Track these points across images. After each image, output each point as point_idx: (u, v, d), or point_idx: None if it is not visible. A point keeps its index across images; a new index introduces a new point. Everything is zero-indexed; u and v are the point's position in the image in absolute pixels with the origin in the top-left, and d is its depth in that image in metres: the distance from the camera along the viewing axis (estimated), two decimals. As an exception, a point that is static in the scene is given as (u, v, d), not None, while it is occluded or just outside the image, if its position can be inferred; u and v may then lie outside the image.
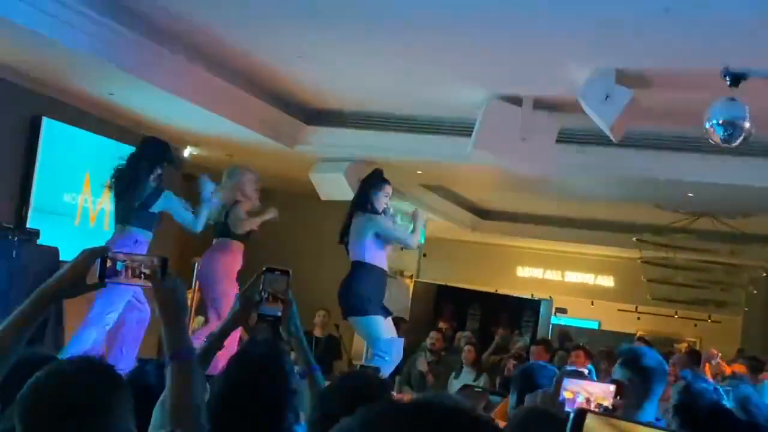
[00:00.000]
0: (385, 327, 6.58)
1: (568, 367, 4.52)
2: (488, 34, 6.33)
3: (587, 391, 2.55)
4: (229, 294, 6.44)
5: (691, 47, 6.06)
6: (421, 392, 7.81)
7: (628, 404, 2.81)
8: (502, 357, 10.70)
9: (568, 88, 6.93)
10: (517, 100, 7.63)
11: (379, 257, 6.64)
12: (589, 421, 1.10)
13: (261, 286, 2.53)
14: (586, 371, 4.05)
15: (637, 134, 7.78)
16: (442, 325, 11.73)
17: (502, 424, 4.65)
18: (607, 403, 2.54)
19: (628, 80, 6.58)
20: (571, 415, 1.12)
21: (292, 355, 2.73)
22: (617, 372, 3.13)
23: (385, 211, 6.70)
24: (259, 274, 2.57)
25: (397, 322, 11.56)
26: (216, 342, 2.59)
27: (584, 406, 2.50)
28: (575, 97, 6.82)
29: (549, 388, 2.69)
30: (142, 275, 2.07)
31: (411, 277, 14.35)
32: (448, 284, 14.42)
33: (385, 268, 6.74)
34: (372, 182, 6.81)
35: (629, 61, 6.49)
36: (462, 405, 1.21)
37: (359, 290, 6.52)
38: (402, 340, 6.82)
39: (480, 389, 7.82)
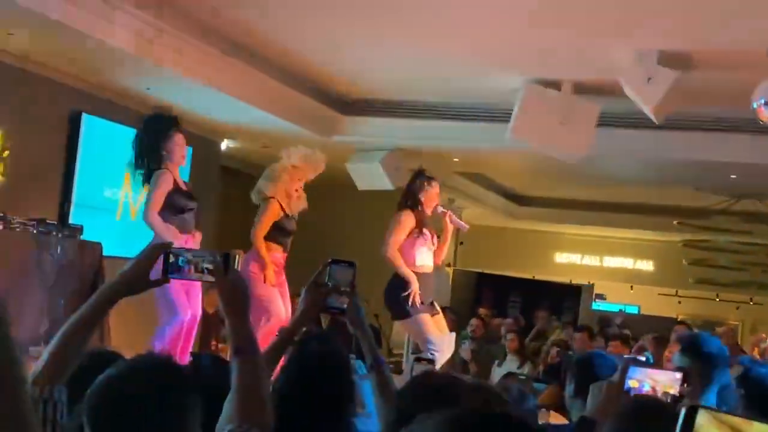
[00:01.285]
0: (432, 325, 6.50)
1: (627, 356, 4.46)
2: (526, 17, 6.26)
3: (653, 380, 2.51)
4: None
5: (735, 26, 5.94)
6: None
7: (690, 391, 2.75)
8: (542, 343, 10.66)
9: (608, 70, 6.84)
10: (556, 85, 7.54)
11: (413, 255, 6.49)
12: (699, 417, 1.07)
13: (326, 278, 2.50)
14: (644, 358, 3.99)
15: (679, 116, 7.66)
16: (482, 311, 11.68)
17: (555, 417, 4.60)
18: (674, 391, 2.50)
19: (671, 61, 6.48)
20: (682, 411, 1.09)
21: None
22: (677, 359, 3.07)
23: (435, 211, 6.60)
24: (325, 266, 2.54)
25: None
26: (288, 336, 2.56)
27: (650, 394, 2.46)
28: (616, 80, 6.73)
29: (612, 376, 2.65)
30: (205, 270, 2.05)
31: (449, 265, 14.30)
32: (488, 272, 14.37)
33: (424, 268, 6.55)
34: (419, 183, 6.60)
35: (672, 42, 6.39)
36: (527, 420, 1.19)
37: (397, 294, 6.43)
38: (453, 335, 6.76)
39: (524, 376, 7.79)
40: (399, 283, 6.43)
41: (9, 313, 0.90)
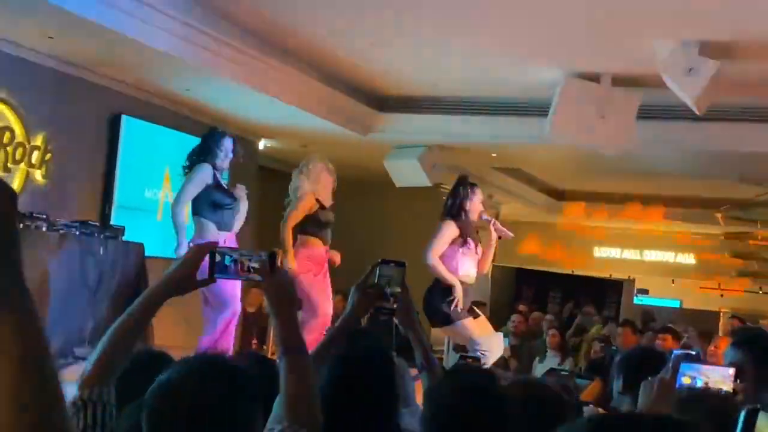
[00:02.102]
0: (476, 327, 6.39)
1: (676, 351, 4.38)
2: (564, 9, 6.20)
3: (705, 376, 2.45)
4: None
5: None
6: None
7: (744, 388, 2.70)
8: (582, 338, 10.58)
9: (648, 62, 6.75)
10: (594, 77, 7.46)
11: (455, 265, 6.35)
12: (761, 419, 1.04)
13: (376, 279, 2.48)
14: (693, 353, 3.92)
15: (720, 106, 7.55)
16: (522, 308, 11.62)
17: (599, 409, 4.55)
18: (727, 387, 2.44)
19: (713, 51, 6.38)
20: (742, 413, 1.06)
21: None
22: (730, 354, 3.00)
23: (481, 218, 6.44)
24: (374, 266, 2.52)
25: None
26: (336, 336, 2.55)
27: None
28: (656, 72, 6.64)
29: (660, 372, 2.60)
30: (251, 269, 2.05)
31: (487, 260, 14.22)
32: (526, 267, 14.28)
33: (467, 278, 6.37)
34: (463, 191, 6.42)
35: (713, 32, 6.29)
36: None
37: (438, 301, 6.32)
38: (500, 335, 6.67)
39: (566, 372, 7.72)
40: (440, 290, 6.30)
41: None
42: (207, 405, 1.65)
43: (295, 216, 6.39)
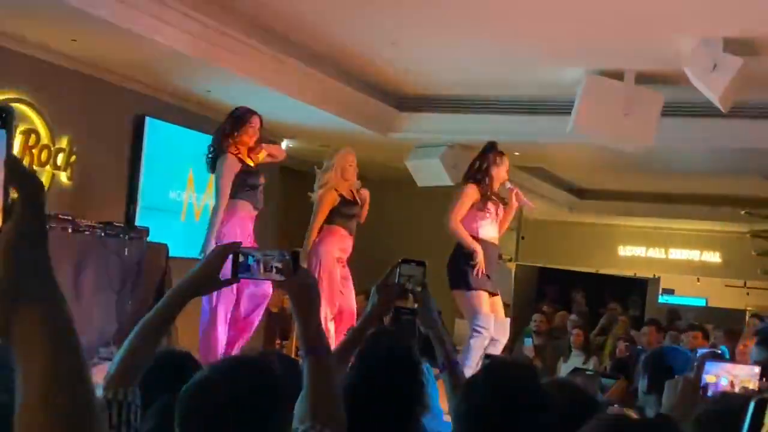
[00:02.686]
0: (486, 303, 6.35)
1: (701, 350, 4.34)
2: (587, 7, 6.17)
3: (731, 374, 2.43)
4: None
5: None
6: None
7: (769, 386, 2.67)
8: (606, 337, 10.51)
9: (672, 59, 6.70)
10: (618, 75, 7.41)
11: (476, 228, 6.40)
12: None
13: (397, 278, 2.47)
14: (719, 351, 3.88)
15: (745, 104, 7.48)
16: (546, 308, 11.58)
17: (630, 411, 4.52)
18: (752, 385, 2.42)
19: (737, 48, 6.32)
20: (750, 406, 1.04)
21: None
22: (756, 353, 2.98)
23: (503, 185, 6.50)
24: (395, 266, 2.52)
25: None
26: (357, 336, 2.55)
27: (728, 389, 2.39)
28: (680, 69, 6.59)
29: (687, 372, 2.58)
30: (274, 269, 2.05)
31: (510, 260, 14.19)
32: (550, 266, 14.22)
33: (488, 239, 6.44)
34: (491, 157, 6.49)
35: (738, 29, 6.23)
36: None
37: (460, 264, 6.34)
38: (507, 320, 6.61)
39: (591, 372, 7.69)
40: (462, 254, 6.33)
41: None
42: (238, 404, 1.64)
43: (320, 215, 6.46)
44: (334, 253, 6.45)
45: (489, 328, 6.24)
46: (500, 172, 6.45)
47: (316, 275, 6.22)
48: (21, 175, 0.90)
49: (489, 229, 6.45)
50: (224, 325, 6.07)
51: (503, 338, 6.48)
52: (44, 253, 0.92)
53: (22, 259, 0.90)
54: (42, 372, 0.89)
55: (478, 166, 6.45)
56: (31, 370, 0.90)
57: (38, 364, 0.90)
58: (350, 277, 6.62)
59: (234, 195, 6.11)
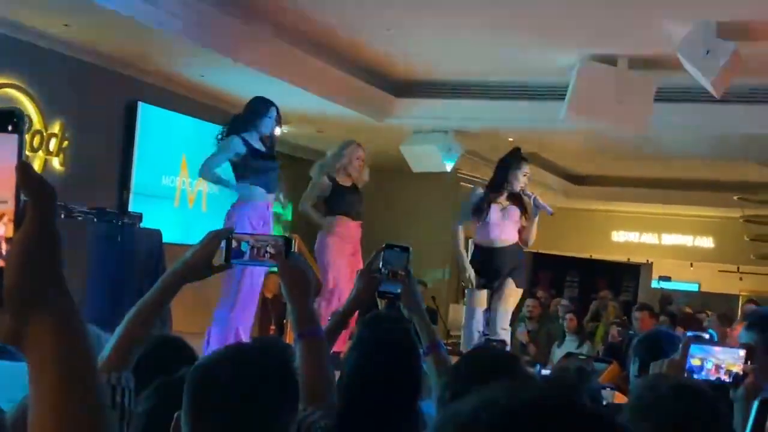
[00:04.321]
0: (472, 298, 6.68)
1: (689, 333, 4.37)
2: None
3: (716, 357, 2.45)
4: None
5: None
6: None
7: (756, 368, 2.68)
8: (598, 324, 10.54)
9: (665, 44, 6.71)
10: (611, 60, 7.42)
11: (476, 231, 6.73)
12: None
13: (381, 263, 2.50)
14: (706, 336, 3.91)
15: (739, 89, 7.49)
16: (540, 294, 11.60)
17: (618, 397, 4.55)
18: (737, 369, 2.44)
19: (730, 33, 6.33)
20: (755, 405, 1.04)
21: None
22: (744, 335, 2.99)
23: (523, 191, 6.65)
24: (378, 251, 2.54)
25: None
26: (341, 321, 2.57)
27: (713, 372, 2.41)
28: (673, 54, 6.60)
29: (674, 355, 2.60)
30: (267, 254, 2.06)
31: (504, 245, 14.21)
32: (543, 252, 14.24)
33: (482, 241, 6.70)
34: (509, 162, 6.74)
35: (730, 13, 6.24)
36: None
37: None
38: (480, 310, 6.75)
39: (584, 356, 7.72)
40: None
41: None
42: (244, 386, 1.62)
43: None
44: (339, 244, 6.45)
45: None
46: (518, 176, 6.64)
47: (327, 269, 6.31)
48: (33, 181, 0.90)
49: (488, 233, 6.66)
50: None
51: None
52: (57, 260, 0.91)
53: (35, 266, 0.89)
54: (54, 382, 0.89)
55: (497, 173, 6.77)
56: (43, 379, 0.89)
57: (50, 373, 0.89)
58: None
59: (243, 178, 6.02)
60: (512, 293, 6.72)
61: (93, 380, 0.92)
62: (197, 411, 1.62)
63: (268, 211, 6.07)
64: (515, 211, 6.66)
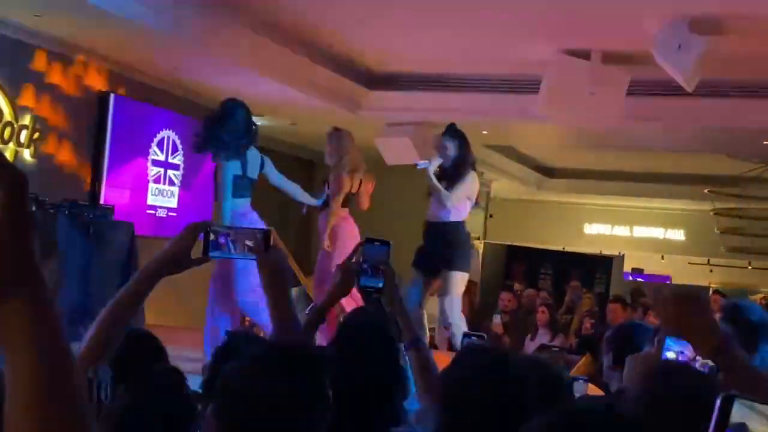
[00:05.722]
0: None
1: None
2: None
3: (690, 350, 2.46)
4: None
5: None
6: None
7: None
8: (573, 316, 10.61)
9: (638, 39, 6.75)
10: (585, 54, 7.45)
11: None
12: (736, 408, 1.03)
13: (361, 258, 2.49)
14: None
15: (710, 83, 7.55)
16: (517, 286, 11.67)
17: (591, 389, 4.58)
18: (711, 361, 2.45)
19: (702, 28, 6.38)
20: (717, 402, 1.05)
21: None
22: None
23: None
24: (359, 246, 2.54)
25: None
26: (318, 315, 2.57)
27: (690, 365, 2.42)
28: (646, 49, 6.64)
29: (649, 348, 2.62)
30: (246, 247, 2.06)
31: (478, 238, 14.28)
32: (517, 244, 14.34)
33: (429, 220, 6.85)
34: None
35: (702, 9, 6.29)
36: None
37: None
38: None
39: (557, 349, 7.77)
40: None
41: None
42: (282, 392, 1.58)
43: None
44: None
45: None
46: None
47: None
48: (4, 168, 0.89)
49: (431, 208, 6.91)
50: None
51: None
52: (29, 247, 0.90)
53: (7, 252, 0.88)
54: (31, 370, 0.88)
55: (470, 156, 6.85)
56: (20, 367, 0.88)
57: (27, 361, 0.88)
58: None
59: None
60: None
61: (69, 363, 0.91)
62: (226, 419, 1.60)
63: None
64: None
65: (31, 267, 0.90)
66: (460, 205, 6.74)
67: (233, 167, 5.85)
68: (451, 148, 6.75)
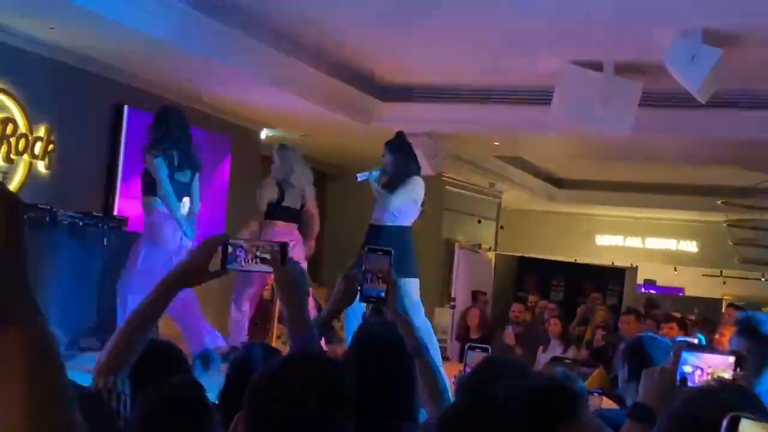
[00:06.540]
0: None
1: (679, 338, 4.39)
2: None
3: (706, 364, 2.45)
4: None
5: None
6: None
7: (745, 375, 2.70)
8: (586, 328, 10.57)
9: (651, 50, 6.75)
10: (597, 66, 7.46)
11: None
12: (745, 427, 1.03)
13: (363, 267, 2.48)
14: (695, 341, 3.93)
15: (723, 94, 7.54)
16: (531, 298, 11.64)
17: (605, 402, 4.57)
18: (727, 375, 2.44)
19: (715, 40, 6.37)
20: (724, 422, 1.05)
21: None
22: (734, 342, 3.01)
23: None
24: (361, 255, 2.52)
25: (476, 294, 11.55)
26: (321, 326, 2.55)
27: (704, 378, 2.42)
28: (659, 60, 6.64)
29: (665, 361, 2.60)
30: (262, 261, 2.07)
31: (490, 249, 14.27)
32: (529, 255, 14.31)
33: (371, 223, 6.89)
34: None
35: (716, 21, 6.29)
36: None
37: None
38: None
39: (569, 361, 7.76)
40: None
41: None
42: (308, 401, 1.59)
43: None
44: None
45: None
46: None
47: None
48: None
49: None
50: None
51: None
52: (23, 271, 0.87)
53: (0, 278, 0.86)
54: (23, 395, 0.86)
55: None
56: (11, 391, 0.86)
57: (19, 386, 0.86)
58: None
59: None
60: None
61: (64, 392, 0.89)
62: (257, 422, 1.61)
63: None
64: None
65: (26, 293, 0.88)
66: (405, 207, 6.74)
67: None
68: (389, 161, 6.82)
